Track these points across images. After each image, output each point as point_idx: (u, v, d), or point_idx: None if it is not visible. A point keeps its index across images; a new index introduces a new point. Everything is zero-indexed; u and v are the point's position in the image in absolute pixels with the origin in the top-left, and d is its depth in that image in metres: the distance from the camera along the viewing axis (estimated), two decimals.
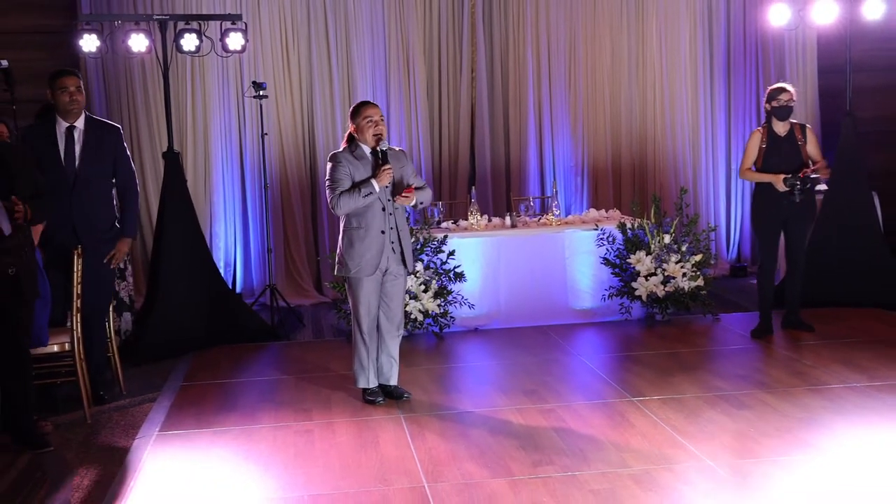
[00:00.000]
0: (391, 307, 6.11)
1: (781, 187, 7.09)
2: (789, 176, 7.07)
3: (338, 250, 6.09)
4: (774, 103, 7.16)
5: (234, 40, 8.10)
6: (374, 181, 5.83)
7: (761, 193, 7.27)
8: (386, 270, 6.00)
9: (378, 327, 6.14)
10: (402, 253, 6.03)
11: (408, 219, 6.37)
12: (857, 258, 8.32)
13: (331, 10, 9.72)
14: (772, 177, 7.14)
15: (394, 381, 6.24)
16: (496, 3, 10.02)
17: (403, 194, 5.97)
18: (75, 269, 5.92)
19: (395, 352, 6.22)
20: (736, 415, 5.68)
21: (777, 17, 8.99)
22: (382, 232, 5.94)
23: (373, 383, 6.18)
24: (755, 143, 7.25)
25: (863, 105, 9.67)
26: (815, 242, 8.65)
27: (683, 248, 8.13)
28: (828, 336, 7.42)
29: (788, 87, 7.24)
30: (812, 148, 7.26)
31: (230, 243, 9.75)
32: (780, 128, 7.23)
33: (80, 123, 6.30)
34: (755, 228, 7.51)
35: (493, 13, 10.02)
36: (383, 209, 5.94)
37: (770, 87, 7.32)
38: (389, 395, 6.21)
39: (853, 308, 8.19)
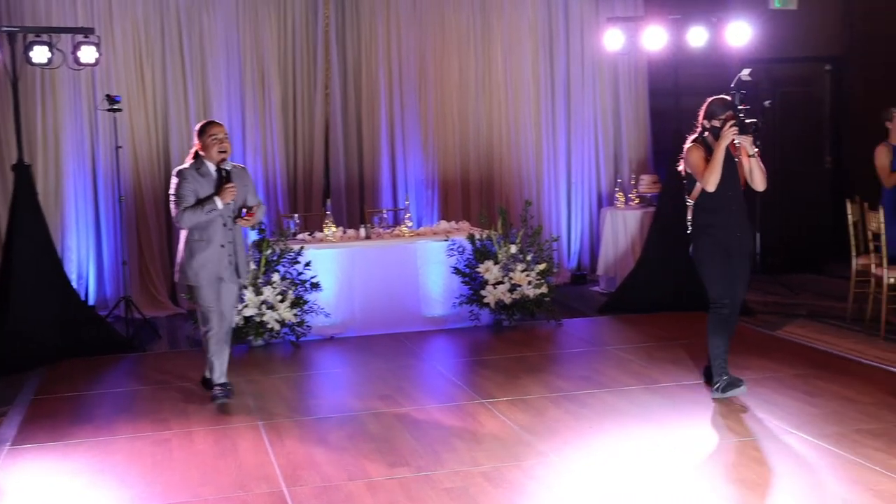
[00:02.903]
0: (224, 311, 6.28)
1: (732, 132, 5.75)
2: (734, 124, 5.79)
3: (178, 258, 6.24)
4: (716, 122, 5.92)
5: (87, 53, 7.85)
6: (217, 199, 6.01)
7: (704, 229, 6.00)
8: (221, 279, 6.17)
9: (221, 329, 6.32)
10: (236, 264, 6.22)
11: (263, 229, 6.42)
12: (684, 266, 8.64)
13: (185, 25, 9.52)
14: (723, 142, 5.80)
15: (223, 379, 6.37)
16: (349, 21, 10.03)
17: (245, 217, 6.18)
18: None
19: (226, 351, 6.35)
20: (578, 413, 5.84)
21: (611, 42, 9.32)
22: (222, 246, 6.14)
23: (223, 378, 6.33)
24: (700, 156, 5.91)
25: (689, 125, 10.08)
26: (646, 251, 9.04)
27: (529, 258, 8.32)
28: (661, 338, 7.72)
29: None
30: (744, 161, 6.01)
31: (83, 256, 9.39)
32: (714, 143, 5.96)
33: None
34: (702, 267, 6.06)
35: (346, 32, 10.03)
36: (224, 224, 6.13)
37: (710, 100, 6.05)
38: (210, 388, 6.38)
39: (684, 312, 8.53)
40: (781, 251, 10.51)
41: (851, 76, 11.18)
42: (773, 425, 5.49)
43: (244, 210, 6.18)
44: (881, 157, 7.99)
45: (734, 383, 5.96)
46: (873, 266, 7.73)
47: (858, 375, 6.48)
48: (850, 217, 8.08)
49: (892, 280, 7.47)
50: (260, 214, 6.37)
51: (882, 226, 7.44)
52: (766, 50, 9.75)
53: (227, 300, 6.29)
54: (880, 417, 5.55)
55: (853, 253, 8.10)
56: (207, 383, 6.46)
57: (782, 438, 5.28)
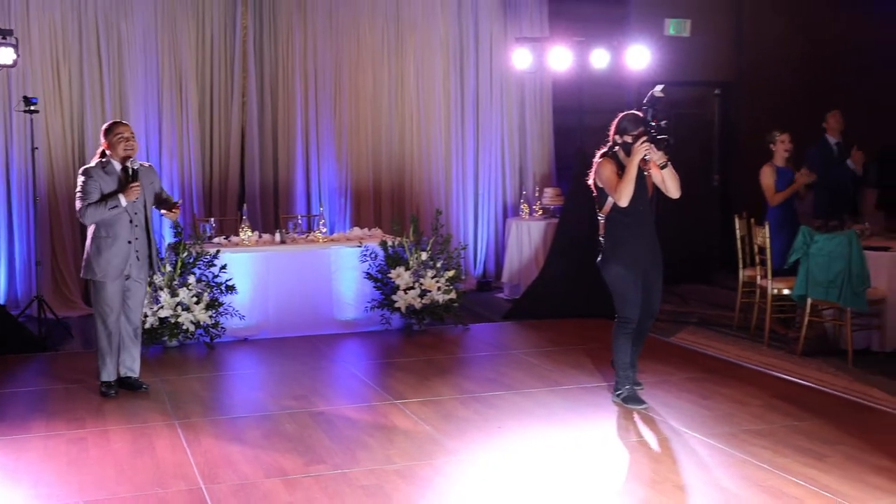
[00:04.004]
0: (132, 308, 6.29)
1: (644, 149, 5.65)
2: (647, 136, 5.69)
3: (85, 254, 6.20)
4: (628, 138, 5.78)
5: (5, 54, 7.60)
6: (121, 196, 6.02)
7: (618, 243, 5.87)
8: (128, 276, 6.17)
9: (120, 327, 6.27)
10: (144, 259, 6.24)
11: (180, 231, 6.37)
12: (585, 275, 8.79)
13: (103, 29, 9.28)
14: (635, 158, 5.68)
15: (134, 375, 6.38)
16: (266, 32, 9.91)
17: (174, 210, 6.36)
18: None
19: (137, 350, 6.39)
20: (486, 414, 5.88)
21: (519, 61, 9.44)
22: (129, 242, 6.13)
23: (112, 377, 6.26)
24: (611, 170, 5.78)
25: (592, 142, 10.28)
26: (549, 260, 9.17)
27: (438, 265, 8.35)
28: (563, 343, 7.84)
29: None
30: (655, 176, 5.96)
31: None
32: (625, 159, 5.83)
33: None
34: (616, 285, 5.91)
35: (263, 41, 9.90)
36: (130, 221, 6.12)
37: (622, 116, 5.88)
38: (130, 387, 6.34)
39: (584, 318, 8.67)
40: (674, 263, 10.74)
41: (739, 100, 11.55)
42: (669, 426, 5.62)
43: (172, 202, 6.36)
44: (766, 177, 8.27)
45: (636, 399, 5.96)
46: (759, 278, 8.00)
47: (745, 379, 6.69)
48: (737, 232, 8.34)
49: (775, 291, 7.74)
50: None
51: (767, 240, 7.71)
52: (662, 73, 9.98)
53: (134, 299, 6.28)
54: (766, 419, 5.73)
55: (740, 265, 8.37)
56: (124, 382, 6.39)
57: (677, 438, 5.40)
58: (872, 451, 5.12)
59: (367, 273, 8.28)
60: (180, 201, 6.39)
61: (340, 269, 8.27)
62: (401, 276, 8.18)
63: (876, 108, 10.49)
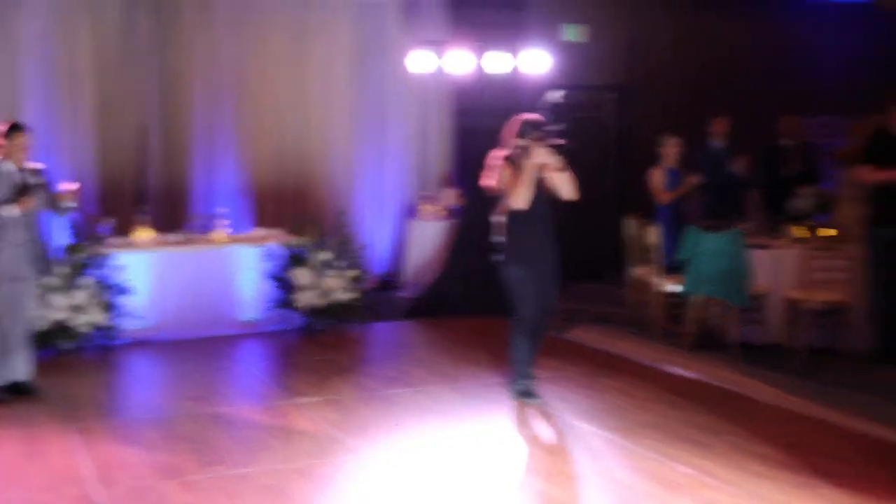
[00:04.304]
0: (22, 311, 6.11)
1: (542, 153, 5.77)
2: (544, 140, 5.82)
3: None
4: (525, 141, 5.84)
5: None
6: (14, 207, 5.89)
7: (517, 245, 5.98)
8: (18, 278, 6.02)
9: (10, 331, 6.08)
10: (34, 261, 6.06)
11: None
12: (484, 274, 8.86)
13: None
14: (533, 161, 5.79)
15: (27, 379, 6.17)
16: (168, 31, 9.66)
17: (71, 192, 6.18)
18: None
19: (29, 353, 6.19)
20: (387, 412, 5.87)
21: (420, 64, 9.46)
22: (19, 245, 5.98)
23: (2, 381, 6.07)
24: (509, 172, 5.84)
25: (492, 144, 10.36)
26: (450, 259, 9.23)
27: (340, 265, 8.30)
28: (463, 341, 7.89)
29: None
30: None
31: None
32: (523, 161, 5.89)
33: None
34: (514, 286, 5.98)
35: (165, 42, 9.67)
36: (20, 223, 5.97)
37: (520, 120, 5.95)
38: (22, 392, 6.12)
39: (483, 317, 8.73)
40: (571, 263, 10.92)
41: (633, 104, 11.81)
42: (564, 419, 5.71)
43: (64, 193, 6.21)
44: (655, 178, 8.50)
45: (533, 394, 6.04)
46: (649, 275, 8.20)
47: (637, 374, 6.85)
48: (629, 231, 8.53)
49: (665, 288, 7.94)
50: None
51: (658, 239, 7.91)
52: (560, 77, 10.14)
53: (25, 301, 6.12)
54: (657, 411, 5.88)
55: (631, 264, 8.56)
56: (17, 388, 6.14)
57: (572, 431, 5.50)
58: (754, 440, 5.30)
59: (269, 273, 8.17)
60: (77, 185, 6.24)
61: (242, 269, 8.15)
62: (302, 276, 8.11)
63: (762, 113, 10.84)
